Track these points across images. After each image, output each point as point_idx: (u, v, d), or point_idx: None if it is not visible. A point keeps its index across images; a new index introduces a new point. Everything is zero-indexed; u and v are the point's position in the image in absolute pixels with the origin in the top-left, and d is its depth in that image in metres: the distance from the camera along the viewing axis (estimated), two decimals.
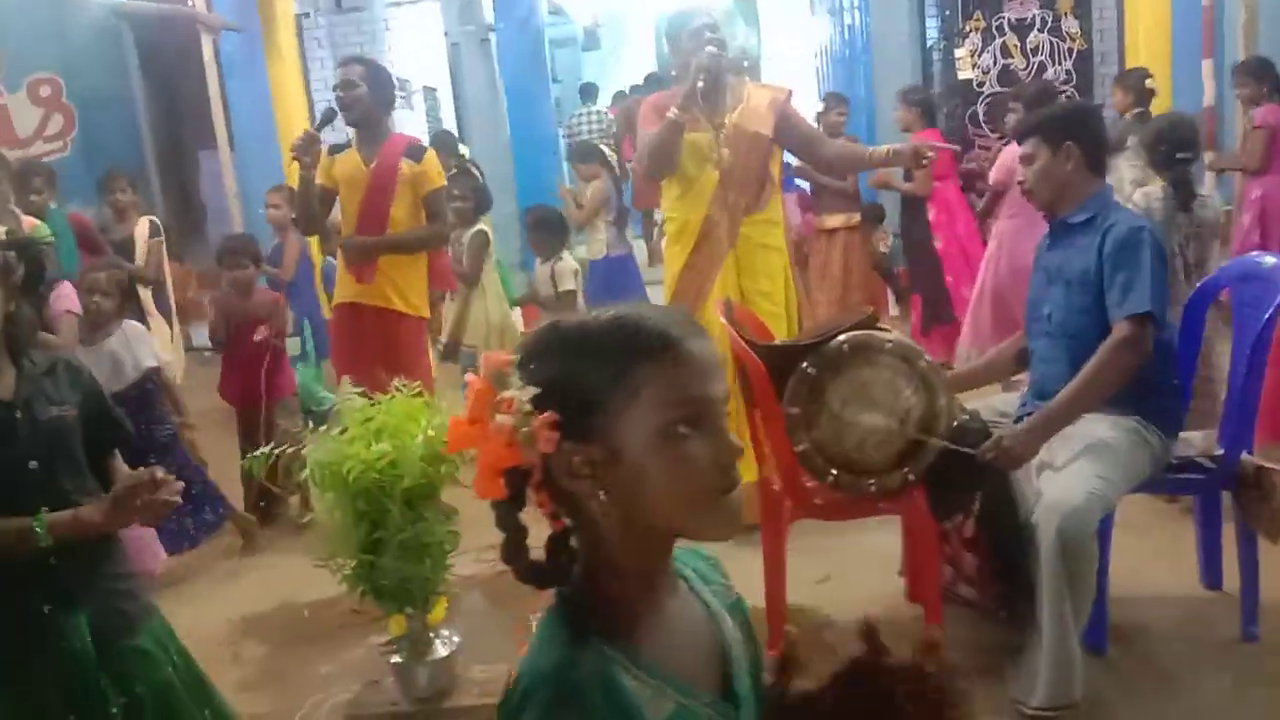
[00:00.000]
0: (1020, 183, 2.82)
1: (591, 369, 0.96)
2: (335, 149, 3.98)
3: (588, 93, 11.55)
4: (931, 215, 5.78)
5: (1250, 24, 5.95)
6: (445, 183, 4.07)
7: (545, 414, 0.94)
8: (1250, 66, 5.58)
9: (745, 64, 13.59)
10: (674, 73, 3.88)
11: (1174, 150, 3.60)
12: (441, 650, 2.51)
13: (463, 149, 7.53)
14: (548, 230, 5.09)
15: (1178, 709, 2.50)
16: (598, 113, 11.15)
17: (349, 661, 3.06)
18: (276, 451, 2.49)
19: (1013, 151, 4.70)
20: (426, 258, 4.10)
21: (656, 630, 1.01)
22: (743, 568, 3.20)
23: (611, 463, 0.96)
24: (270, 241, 5.54)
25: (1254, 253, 3.10)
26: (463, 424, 0.98)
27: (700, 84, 3.54)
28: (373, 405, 2.34)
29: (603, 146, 6.62)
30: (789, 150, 4.10)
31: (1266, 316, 2.64)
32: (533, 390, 0.95)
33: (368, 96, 3.82)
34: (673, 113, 3.58)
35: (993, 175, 5.21)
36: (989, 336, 4.73)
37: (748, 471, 3.77)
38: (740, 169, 3.74)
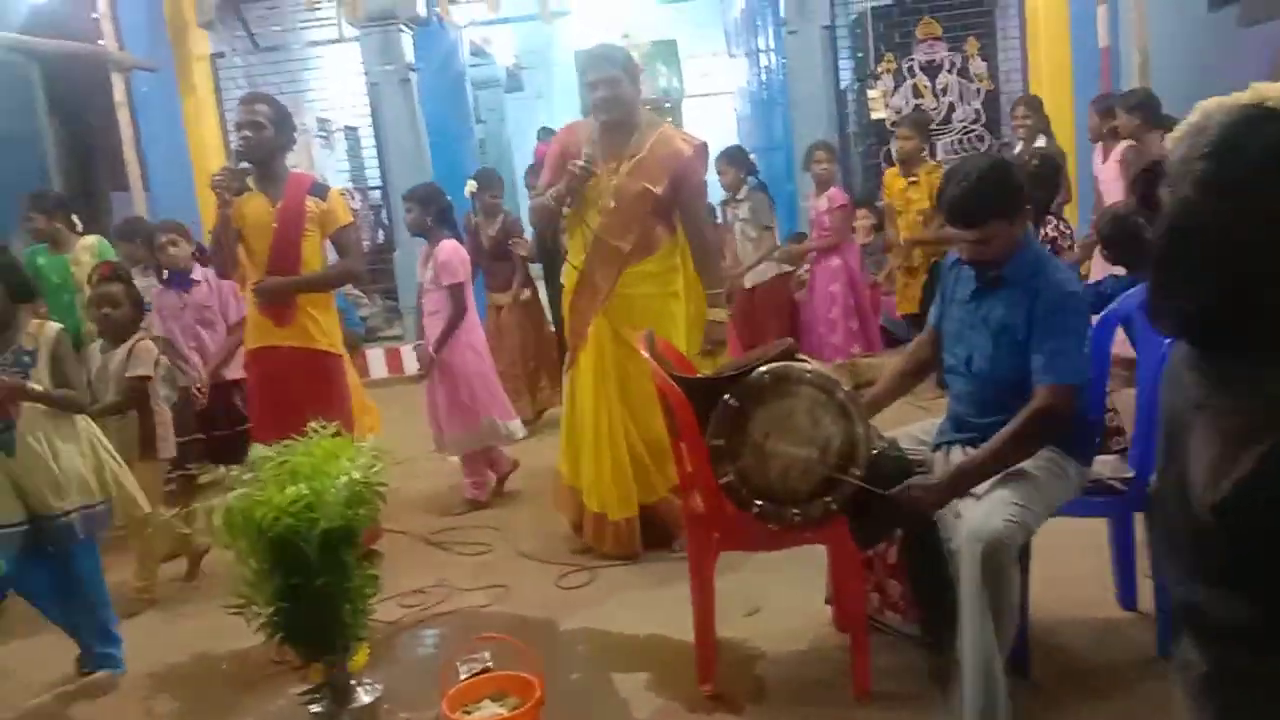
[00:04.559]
0: (982, 261, 2.62)
1: None
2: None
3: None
4: None
5: (1144, 66, 6.20)
6: (352, 219, 4.06)
7: None
8: (1138, 97, 5.36)
9: (667, 104, 13.65)
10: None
11: None
12: (364, 698, 2.44)
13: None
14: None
15: None
16: None
17: (269, 713, 2.96)
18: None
19: None
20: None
21: None
22: (671, 602, 3.22)
23: None
24: None
25: None
26: None
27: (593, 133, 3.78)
28: (287, 448, 2.29)
29: None
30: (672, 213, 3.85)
31: (1169, 341, 2.73)
32: None
33: (274, 136, 3.80)
34: (553, 193, 3.80)
35: None
36: None
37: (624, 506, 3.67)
38: (620, 219, 3.75)
